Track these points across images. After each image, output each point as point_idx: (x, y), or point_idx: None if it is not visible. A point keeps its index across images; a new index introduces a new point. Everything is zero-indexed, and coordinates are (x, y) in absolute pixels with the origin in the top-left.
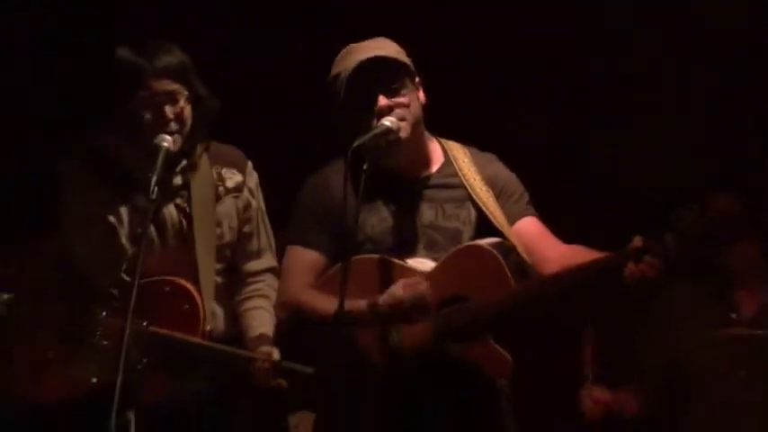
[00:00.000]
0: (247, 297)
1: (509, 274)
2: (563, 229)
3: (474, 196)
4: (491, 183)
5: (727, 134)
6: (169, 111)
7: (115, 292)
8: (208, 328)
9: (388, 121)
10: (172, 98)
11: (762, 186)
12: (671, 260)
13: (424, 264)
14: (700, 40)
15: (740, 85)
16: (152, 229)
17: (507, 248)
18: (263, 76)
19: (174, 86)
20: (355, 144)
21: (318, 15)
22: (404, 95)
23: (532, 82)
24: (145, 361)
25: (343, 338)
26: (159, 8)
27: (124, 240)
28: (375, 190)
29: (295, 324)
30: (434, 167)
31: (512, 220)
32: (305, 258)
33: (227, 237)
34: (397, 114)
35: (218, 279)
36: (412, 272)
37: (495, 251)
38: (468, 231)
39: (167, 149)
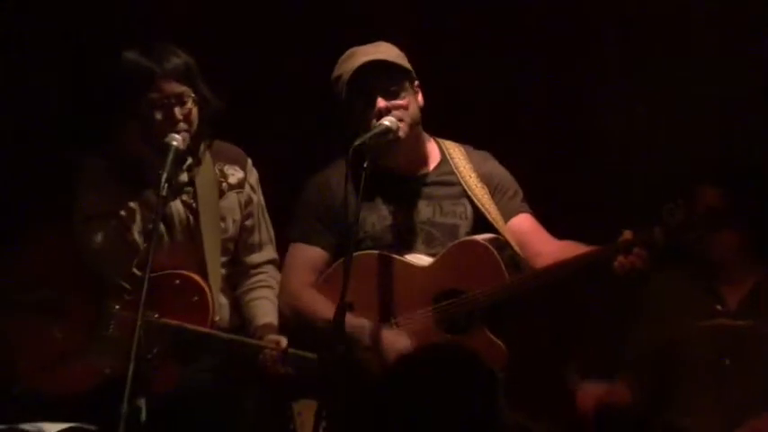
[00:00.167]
0: (251, 288)
1: (504, 268)
2: (555, 225)
3: (470, 193)
4: (486, 180)
5: (715, 128)
6: (178, 112)
7: (127, 285)
8: (216, 318)
9: (387, 122)
10: (180, 100)
11: (747, 180)
12: (659, 252)
13: (422, 259)
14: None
15: (728, 83)
16: (161, 225)
17: (502, 243)
18: (265, 76)
19: (183, 89)
20: (356, 143)
21: (320, 16)
22: (402, 98)
23: (530, 80)
24: (155, 351)
25: (342, 345)
26: (163, 9)
27: (136, 235)
28: (375, 188)
29: (296, 324)
30: (432, 166)
31: (506, 216)
32: (307, 255)
33: (231, 231)
34: (396, 115)
35: (223, 271)
36: (410, 266)
37: (490, 246)
38: (464, 227)
39: (177, 148)
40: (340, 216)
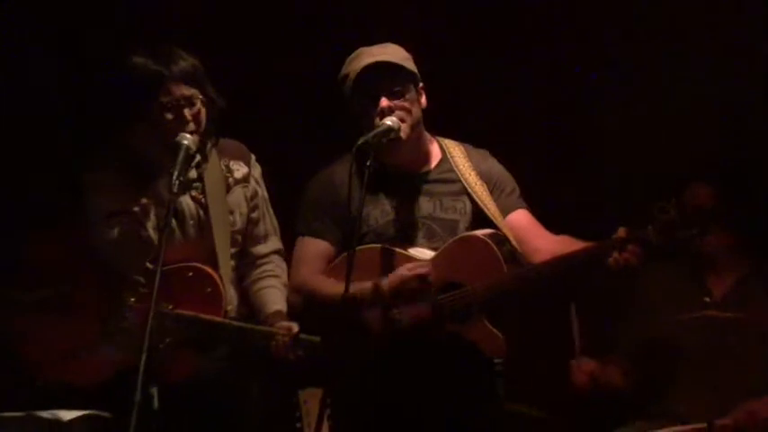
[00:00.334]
0: (259, 278)
1: (502, 262)
2: (552, 221)
3: (469, 190)
4: (485, 177)
5: (710, 128)
6: (188, 113)
7: (142, 279)
8: (228, 308)
9: (389, 121)
10: (190, 101)
11: (736, 179)
12: (652, 249)
13: (423, 253)
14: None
15: (728, 83)
16: (173, 221)
17: (501, 238)
18: (268, 74)
19: (192, 91)
20: (359, 142)
21: (323, 16)
22: (406, 99)
23: (529, 80)
24: (167, 341)
25: (350, 318)
26: (166, 9)
27: (151, 232)
28: (378, 184)
29: (307, 307)
30: (433, 164)
31: (504, 212)
32: (314, 248)
33: (239, 224)
34: (398, 115)
35: (232, 263)
36: (413, 259)
37: (489, 240)
38: (464, 222)
39: (188, 147)
40: (344, 211)
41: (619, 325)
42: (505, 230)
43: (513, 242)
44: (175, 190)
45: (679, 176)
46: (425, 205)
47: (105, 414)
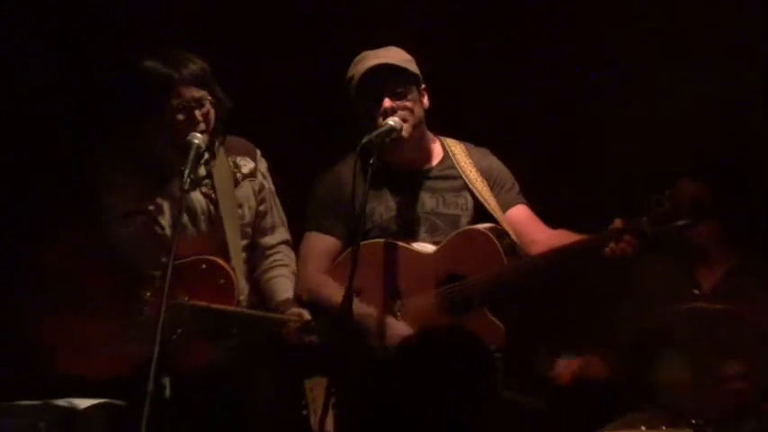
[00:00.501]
0: (269, 267)
1: (503, 254)
2: (550, 216)
3: (471, 186)
4: (486, 174)
5: (704, 128)
6: (198, 114)
7: (157, 274)
8: (240, 298)
9: (392, 121)
10: (200, 103)
11: (727, 173)
12: (647, 239)
13: (426, 247)
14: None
15: (719, 83)
16: (186, 216)
17: (501, 232)
18: (272, 75)
19: (201, 93)
20: (363, 141)
21: (326, 18)
22: (408, 99)
23: (529, 81)
24: (179, 332)
25: (351, 328)
26: (173, 9)
27: (166, 228)
28: (383, 182)
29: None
30: (435, 162)
31: (504, 207)
32: (321, 243)
33: (248, 217)
34: (400, 116)
35: (243, 255)
36: (416, 253)
37: (490, 234)
38: (465, 217)
39: (198, 146)
40: (350, 208)
41: (609, 316)
42: (505, 225)
43: (513, 235)
44: (186, 187)
45: (674, 172)
46: (428, 201)
47: (119, 402)
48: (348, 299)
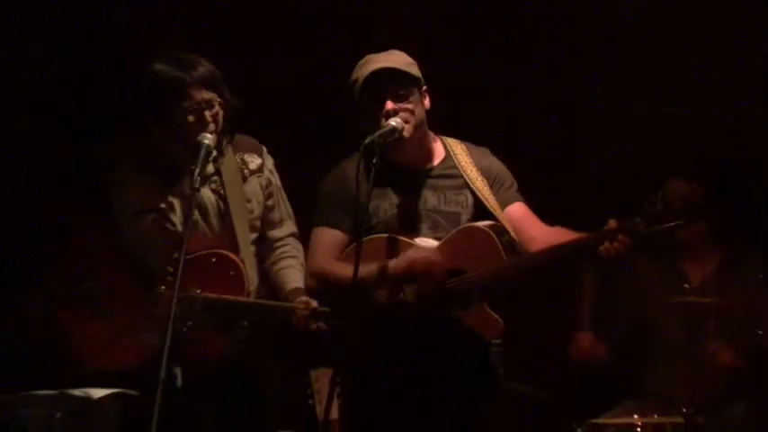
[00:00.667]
0: (278, 259)
1: (502, 251)
2: (548, 214)
3: (471, 185)
4: (486, 173)
5: (704, 127)
6: (208, 115)
7: (170, 268)
8: (251, 289)
9: (393, 122)
10: (209, 104)
11: (717, 174)
12: (640, 238)
13: (428, 242)
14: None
15: (719, 83)
16: (196, 213)
17: (500, 229)
18: (274, 77)
19: (211, 95)
20: (366, 141)
21: (329, 21)
22: (409, 101)
23: (529, 83)
24: (190, 323)
25: (359, 298)
26: (189, 16)
27: (178, 225)
28: (386, 180)
29: (322, 290)
30: (436, 161)
31: (503, 205)
32: (329, 237)
33: (257, 211)
34: (402, 117)
35: (252, 248)
36: (418, 248)
37: (490, 231)
38: (465, 214)
39: (208, 145)
40: (355, 204)
41: (602, 309)
42: (504, 222)
43: (512, 233)
44: (197, 185)
45: (672, 172)
46: (430, 199)
47: (132, 392)
48: (354, 289)
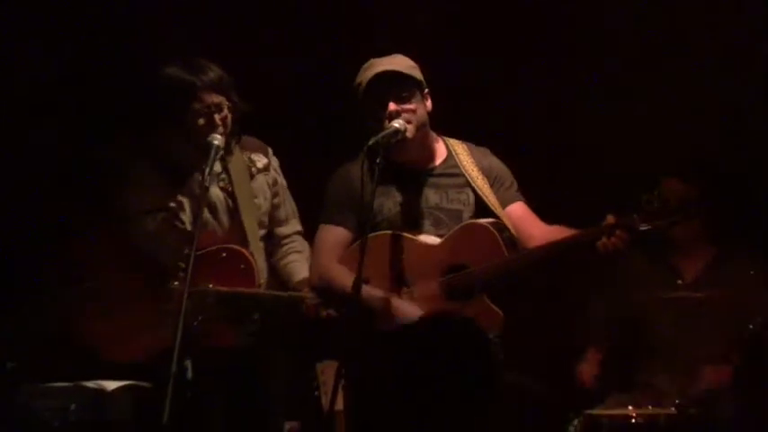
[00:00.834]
0: (285, 254)
1: (503, 247)
2: (547, 212)
3: (472, 183)
4: (486, 172)
5: (697, 122)
6: (217, 118)
7: (182, 264)
8: (261, 281)
9: (396, 123)
10: (219, 108)
11: (711, 173)
12: (637, 235)
13: (430, 239)
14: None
15: (719, 83)
16: (206, 211)
17: (501, 226)
18: (276, 79)
19: (220, 98)
20: (370, 142)
21: (329, 22)
22: (412, 103)
23: (529, 84)
24: (200, 318)
25: (360, 311)
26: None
27: (187, 223)
28: (390, 179)
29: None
30: (438, 160)
31: (504, 203)
32: (334, 234)
33: (264, 207)
34: (405, 118)
35: (261, 244)
36: (421, 244)
37: (491, 228)
38: (467, 212)
39: (218, 146)
40: (360, 203)
41: (597, 304)
42: (505, 220)
43: (512, 230)
44: (207, 184)
45: (664, 172)
46: (432, 197)
47: (145, 384)
48: (357, 285)
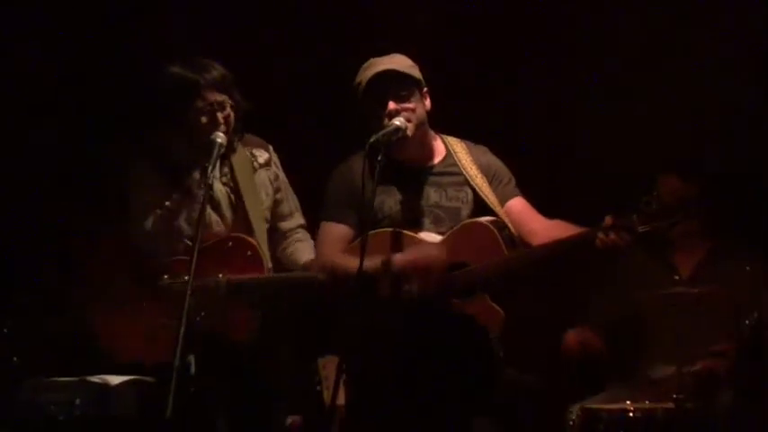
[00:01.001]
0: (289, 244)
1: (503, 245)
2: (546, 211)
3: (471, 181)
4: (485, 170)
5: (697, 123)
6: (220, 116)
7: (185, 258)
8: (269, 266)
9: (397, 122)
10: (221, 106)
11: (708, 173)
12: (636, 235)
13: (431, 236)
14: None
15: (719, 83)
16: (209, 208)
17: (501, 224)
18: (284, 78)
19: (223, 97)
20: (370, 140)
21: (330, 23)
22: (411, 102)
23: (529, 84)
24: (203, 314)
25: (365, 290)
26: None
27: (183, 223)
28: (390, 177)
29: (330, 283)
30: (438, 159)
31: (502, 200)
32: (336, 231)
33: (267, 201)
34: (404, 116)
35: (265, 235)
36: (421, 242)
37: (491, 226)
38: (466, 210)
39: (221, 144)
40: (360, 200)
41: (594, 301)
42: (504, 217)
43: (511, 227)
44: (211, 181)
45: (662, 171)
46: (432, 195)
47: (148, 379)
48: (359, 283)
